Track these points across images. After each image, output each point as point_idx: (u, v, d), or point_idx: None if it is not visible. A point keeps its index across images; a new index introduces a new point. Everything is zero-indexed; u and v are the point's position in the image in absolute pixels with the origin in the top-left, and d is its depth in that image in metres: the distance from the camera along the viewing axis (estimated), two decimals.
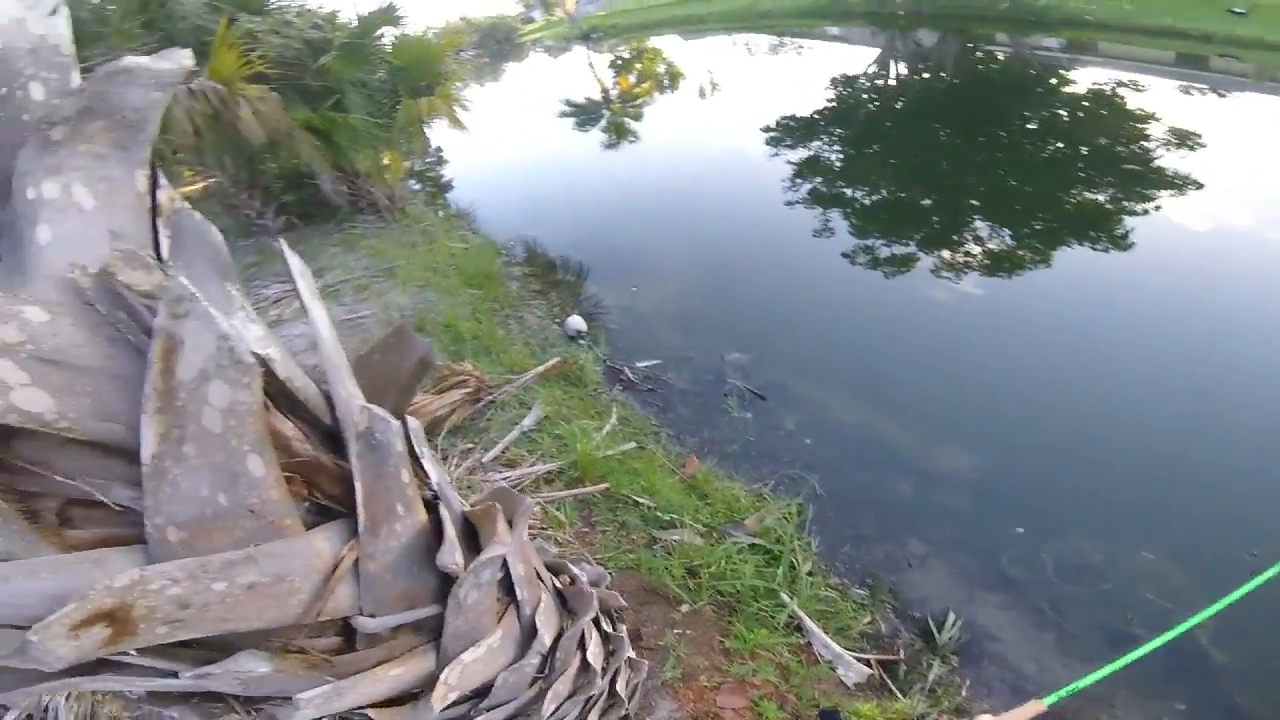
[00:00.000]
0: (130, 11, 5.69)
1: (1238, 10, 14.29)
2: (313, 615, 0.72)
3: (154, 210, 0.65)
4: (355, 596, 0.79)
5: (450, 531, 0.87)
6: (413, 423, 1.05)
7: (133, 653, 0.61)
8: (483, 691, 1.22)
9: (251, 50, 6.14)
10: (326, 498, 0.77)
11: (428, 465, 1.01)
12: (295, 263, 0.85)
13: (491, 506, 0.95)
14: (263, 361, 0.62)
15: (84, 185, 0.58)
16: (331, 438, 0.81)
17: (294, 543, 0.68)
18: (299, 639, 0.80)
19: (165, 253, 0.64)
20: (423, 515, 0.88)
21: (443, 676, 0.97)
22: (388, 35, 7.72)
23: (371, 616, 0.83)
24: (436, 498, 1.00)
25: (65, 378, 0.51)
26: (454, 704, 1.18)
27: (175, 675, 0.73)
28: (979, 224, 7.09)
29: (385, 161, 8.37)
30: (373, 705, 0.95)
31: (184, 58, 0.63)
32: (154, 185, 0.66)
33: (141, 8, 5.83)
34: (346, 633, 0.89)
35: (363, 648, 0.90)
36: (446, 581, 0.96)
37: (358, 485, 0.74)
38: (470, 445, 3.84)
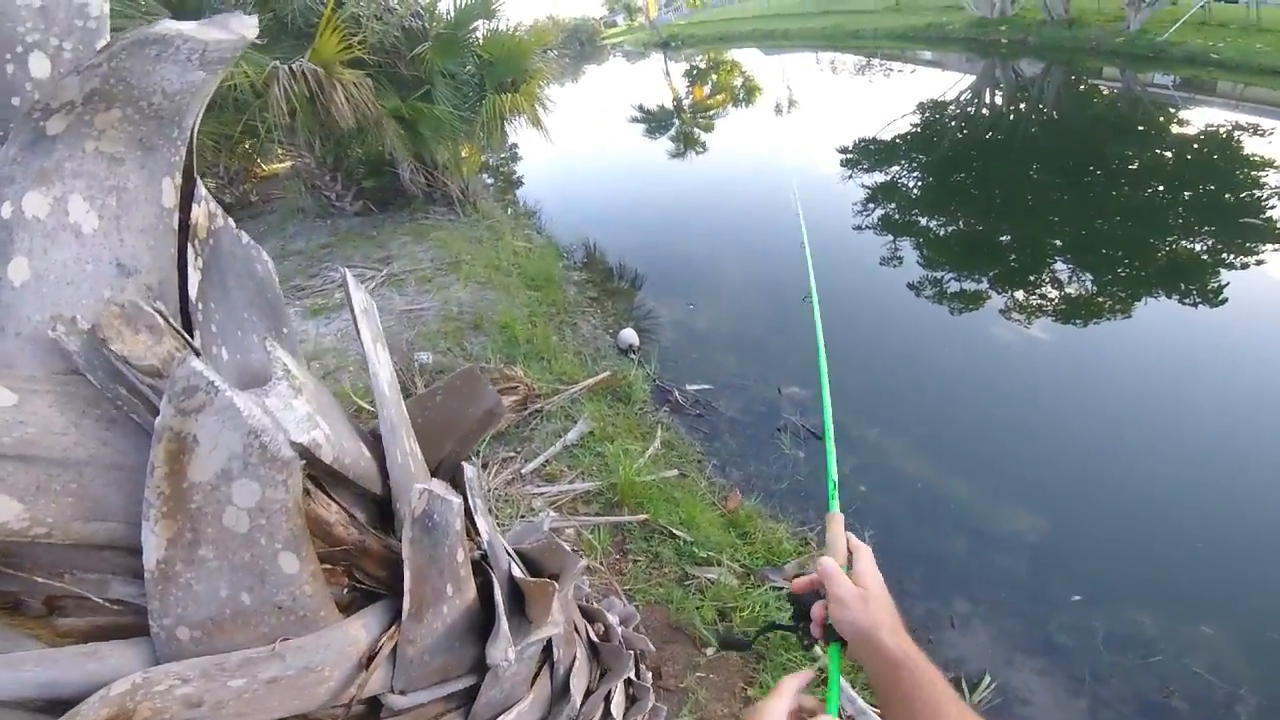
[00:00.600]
0: None
1: None
2: (341, 702, 0.65)
3: (185, 232, 0.52)
4: (388, 677, 0.73)
5: (503, 625, 0.79)
6: (469, 471, 0.99)
7: None
8: None
9: (353, 35, 6.32)
10: (369, 580, 0.71)
11: (479, 520, 0.95)
12: (359, 298, 0.79)
13: (548, 585, 0.87)
14: (305, 451, 0.53)
15: (85, 199, 0.44)
16: (380, 506, 0.74)
17: (327, 634, 0.61)
18: (317, 713, 0.74)
19: (194, 291, 0.52)
20: (472, 592, 0.81)
21: None
22: (481, 29, 7.87)
23: (402, 694, 0.77)
24: (485, 557, 0.93)
25: (39, 476, 0.41)
26: None
27: None
28: (1060, 265, 6.74)
29: (463, 154, 8.52)
30: None
31: (247, 26, 0.50)
32: (188, 199, 0.52)
33: None
34: (370, 701, 0.82)
35: (386, 716, 0.84)
36: (484, 655, 0.89)
37: (407, 570, 0.67)
38: (512, 454, 3.82)
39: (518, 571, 0.96)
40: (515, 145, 13.88)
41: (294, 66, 5.83)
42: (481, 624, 0.86)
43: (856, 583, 0.80)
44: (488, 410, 0.94)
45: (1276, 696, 2.81)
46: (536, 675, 1.15)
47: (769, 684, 2.62)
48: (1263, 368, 4.95)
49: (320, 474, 0.61)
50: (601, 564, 3.05)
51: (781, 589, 3.02)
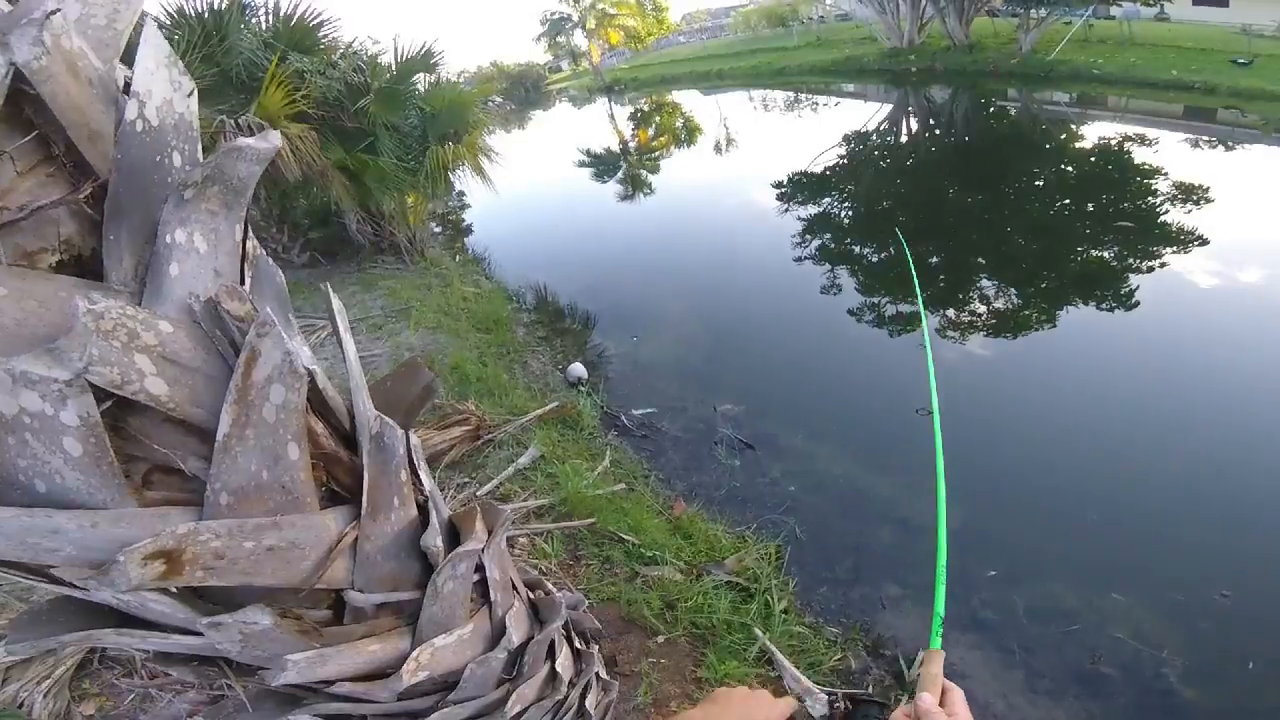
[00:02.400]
0: (193, 44, 6.04)
1: (1241, 61, 14.86)
2: (314, 580, 0.90)
3: (243, 255, 0.85)
4: (350, 571, 0.98)
5: (435, 522, 1.07)
6: (414, 439, 1.25)
7: (173, 589, 0.80)
8: (450, 685, 1.38)
9: (297, 90, 6.50)
10: (339, 486, 0.98)
11: (422, 475, 1.21)
12: (336, 303, 1.08)
13: (472, 509, 1.14)
14: (310, 374, 0.83)
15: (201, 234, 0.77)
16: (347, 440, 1.01)
17: (310, 517, 0.87)
18: (296, 608, 0.99)
19: (248, 288, 0.85)
20: (414, 510, 1.08)
21: (414, 654, 1.14)
22: (422, 81, 8.10)
23: (361, 592, 1.02)
24: (427, 500, 1.19)
25: (177, 373, 0.71)
26: (423, 693, 1.35)
27: (189, 633, 0.91)
28: (985, 283, 7.31)
29: (410, 204, 8.71)
30: (350, 679, 1.12)
31: (276, 139, 0.84)
32: (245, 236, 0.87)
33: (203, 42, 6.18)
34: (336, 608, 1.07)
35: (348, 622, 1.09)
36: (428, 571, 1.14)
37: (365, 477, 0.95)
38: (466, 479, 4.02)
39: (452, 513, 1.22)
40: (463, 194, 14.17)
41: (240, 120, 5.97)
42: (422, 539, 1.12)
43: None
44: (425, 386, 1.21)
45: (1200, 657, 3.06)
46: (477, 613, 1.40)
47: (715, 665, 2.84)
48: (1152, 355, 5.51)
49: (312, 399, 0.89)
50: (555, 568, 3.27)
51: (720, 580, 3.29)
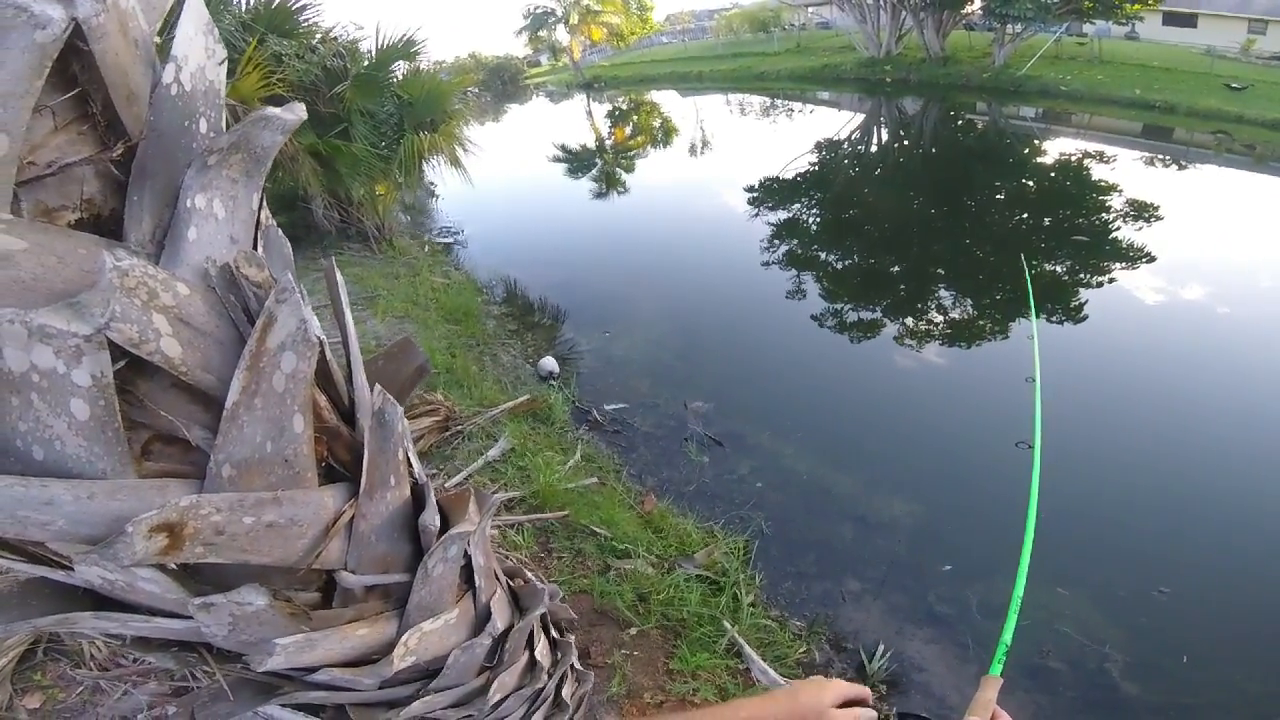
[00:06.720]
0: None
1: (1235, 86, 15.41)
2: (311, 559, 0.89)
3: (257, 224, 0.85)
4: (344, 552, 0.96)
5: (431, 500, 1.06)
6: (406, 422, 1.24)
7: (173, 565, 0.78)
8: (432, 673, 1.37)
9: (274, 73, 6.35)
10: (337, 462, 0.96)
11: (413, 459, 1.20)
12: (339, 278, 1.07)
13: (465, 491, 1.13)
14: (320, 344, 0.82)
15: (220, 201, 0.77)
16: (345, 416, 1.00)
17: (310, 493, 0.85)
18: (286, 590, 0.97)
19: (260, 255, 0.84)
20: (408, 491, 1.07)
21: (403, 639, 1.13)
22: (401, 69, 7.96)
23: (353, 573, 1.00)
24: (419, 484, 1.18)
25: (191, 335, 0.70)
26: (403, 681, 1.33)
27: (172, 615, 0.89)
28: (943, 292, 7.52)
29: (379, 192, 8.57)
30: (336, 664, 1.10)
31: (301, 110, 0.84)
32: (261, 205, 0.87)
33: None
34: (325, 591, 1.05)
35: (337, 605, 1.07)
36: (418, 555, 1.13)
37: (365, 453, 0.93)
38: (435, 471, 3.98)
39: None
40: (434, 184, 13.93)
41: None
42: (414, 529, 1.11)
43: None
44: (418, 367, 1.21)
45: (1140, 653, 3.21)
46: (462, 599, 1.39)
47: (686, 657, 2.87)
48: (1099, 363, 5.74)
49: (317, 371, 0.87)
50: (527, 559, 3.26)
51: (690, 574, 3.33)
